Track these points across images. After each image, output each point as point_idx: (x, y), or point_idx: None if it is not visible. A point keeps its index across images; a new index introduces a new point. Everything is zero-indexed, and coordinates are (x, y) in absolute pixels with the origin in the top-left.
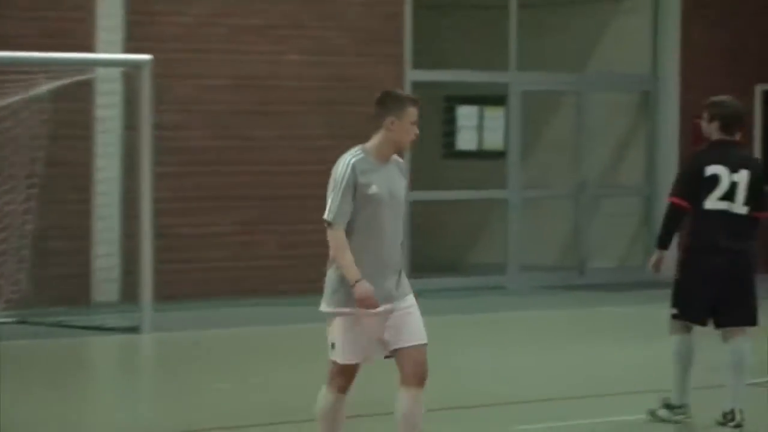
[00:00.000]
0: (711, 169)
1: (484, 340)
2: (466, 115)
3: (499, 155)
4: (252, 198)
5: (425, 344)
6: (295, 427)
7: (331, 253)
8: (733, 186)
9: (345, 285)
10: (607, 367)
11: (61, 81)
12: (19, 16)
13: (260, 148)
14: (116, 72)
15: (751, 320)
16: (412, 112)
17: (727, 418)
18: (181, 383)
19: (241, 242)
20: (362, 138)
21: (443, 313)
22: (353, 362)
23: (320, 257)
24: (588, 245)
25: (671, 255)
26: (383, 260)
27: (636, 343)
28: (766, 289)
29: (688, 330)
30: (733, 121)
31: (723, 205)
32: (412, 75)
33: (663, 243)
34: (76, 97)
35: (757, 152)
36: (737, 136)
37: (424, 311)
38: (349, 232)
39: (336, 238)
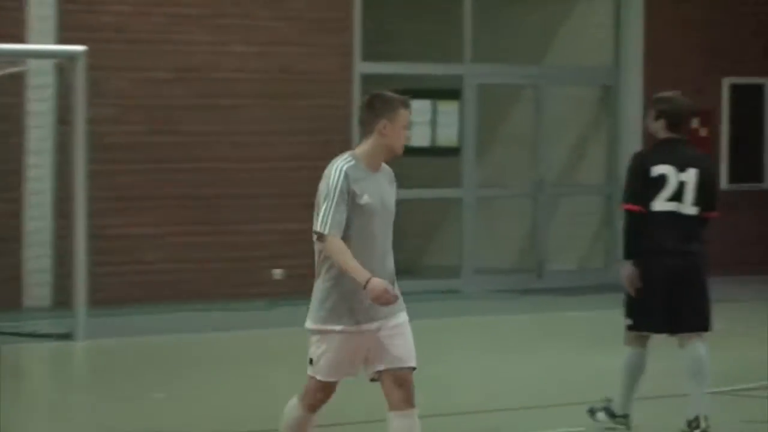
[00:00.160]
0: (657, 169)
1: (436, 346)
2: (418, 109)
3: (454, 152)
4: (193, 197)
5: (413, 368)
6: None
7: (318, 262)
8: (681, 186)
9: (333, 298)
10: (564, 376)
11: None
12: None
13: (201, 144)
14: (49, 64)
15: (704, 325)
16: (404, 115)
17: (692, 425)
18: (116, 393)
19: (182, 244)
20: (309, 133)
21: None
22: (333, 380)
23: (266, 259)
24: (546, 247)
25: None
26: (376, 271)
27: (595, 350)
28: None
29: (644, 342)
30: (680, 118)
31: (671, 206)
32: (362, 67)
33: (629, 254)
34: (7, 91)
35: (725, 148)
36: (685, 134)
37: None
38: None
39: (334, 246)
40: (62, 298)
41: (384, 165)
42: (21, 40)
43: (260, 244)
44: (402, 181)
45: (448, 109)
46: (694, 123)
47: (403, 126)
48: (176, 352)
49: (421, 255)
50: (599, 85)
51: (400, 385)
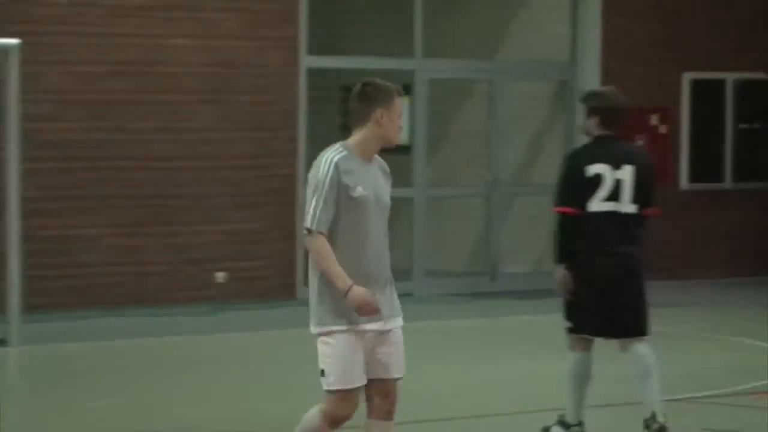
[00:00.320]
0: (592, 169)
1: None
2: None
3: (404, 150)
4: (133, 197)
5: (401, 378)
6: None
7: (312, 261)
8: (618, 184)
9: (328, 298)
10: (516, 382)
11: None
12: None
13: (141, 142)
14: None
15: (642, 330)
16: (399, 103)
17: (650, 423)
18: (51, 402)
19: (121, 246)
20: (254, 130)
21: None
22: (351, 386)
23: (210, 262)
24: (500, 248)
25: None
26: (371, 272)
27: (549, 356)
28: (690, 295)
29: (587, 346)
30: (614, 114)
31: (609, 206)
32: (308, 61)
33: (562, 257)
34: None
35: (685, 144)
36: (619, 130)
37: None
38: (330, 240)
39: (318, 246)
40: None
41: (377, 157)
42: None
43: (203, 246)
44: None
45: None
46: (654, 120)
47: (398, 115)
48: (115, 358)
49: None
50: (555, 80)
51: (384, 395)
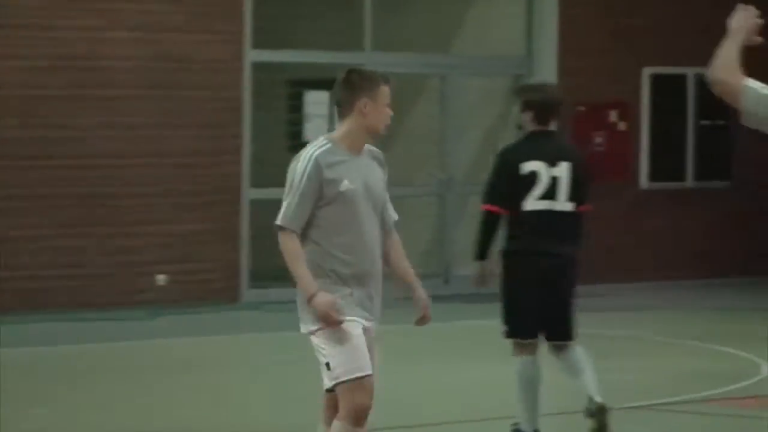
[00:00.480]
0: (528, 166)
1: None
2: (314, 101)
3: None
4: (70, 196)
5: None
6: None
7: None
8: (554, 182)
9: (324, 290)
10: (467, 390)
11: None
12: None
13: (80, 139)
14: None
15: (570, 335)
16: (385, 92)
17: (589, 409)
18: None
19: (58, 247)
20: (196, 127)
21: (287, 329)
22: (362, 374)
23: (151, 264)
24: (454, 250)
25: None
26: (364, 269)
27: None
28: (649, 298)
29: (531, 349)
30: (549, 109)
31: (544, 205)
32: (253, 55)
33: (481, 254)
34: None
35: (645, 141)
36: (552, 126)
37: (266, 326)
38: (322, 237)
39: (288, 244)
40: None
41: (370, 147)
42: None
43: (143, 248)
44: None
45: None
46: (612, 117)
47: (385, 104)
48: (52, 364)
49: None
50: (511, 75)
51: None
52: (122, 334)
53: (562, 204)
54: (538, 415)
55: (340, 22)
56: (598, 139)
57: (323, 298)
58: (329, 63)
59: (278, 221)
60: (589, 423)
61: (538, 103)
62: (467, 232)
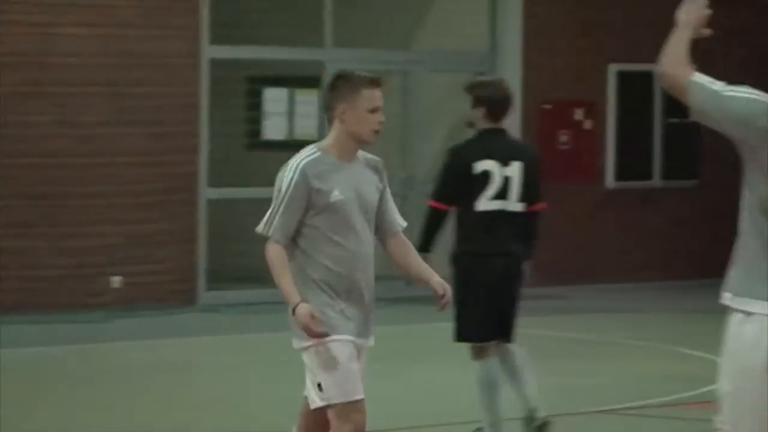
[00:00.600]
0: (481, 165)
1: (285, 361)
2: (274, 98)
3: None
4: (21, 196)
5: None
6: None
7: (273, 271)
8: (506, 181)
9: (318, 305)
10: (430, 393)
11: None
12: None
13: (30, 137)
14: None
15: (512, 336)
16: (368, 96)
17: (530, 419)
18: None
19: (8, 249)
20: (152, 125)
21: (245, 331)
22: (355, 398)
23: (106, 265)
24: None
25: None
26: (356, 281)
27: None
28: (617, 300)
29: (490, 352)
30: (501, 105)
31: (497, 205)
32: (211, 51)
33: (425, 247)
34: None
35: (612, 140)
36: (504, 123)
37: (223, 329)
38: (312, 248)
39: (272, 255)
40: None
41: (366, 154)
42: None
43: (97, 249)
44: (256, 177)
45: (307, 98)
46: (578, 115)
47: (369, 109)
48: (4, 367)
49: None
50: (474, 71)
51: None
52: (76, 337)
53: (514, 204)
54: (501, 418)
55: (300, 18)
56: (564, 138)
57: (303, 310)
58: (289, 59)
59: (258, 229)
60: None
61: (490, 99)
62: None
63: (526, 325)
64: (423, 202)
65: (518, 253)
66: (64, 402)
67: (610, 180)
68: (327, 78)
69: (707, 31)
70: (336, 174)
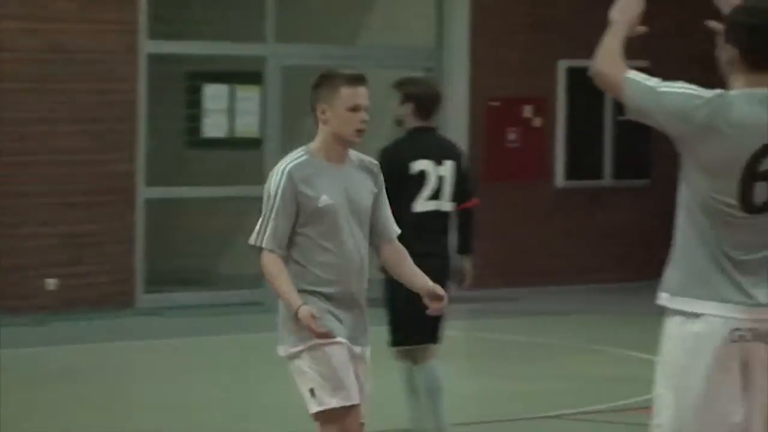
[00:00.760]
0: (417, 165)
1: (241, 366)
2: (214, 95)
3: (255, 144)
4: None
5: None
6: None
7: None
8: (440, 181)
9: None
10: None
11: None
12: None
13: None
14: None
15: (439, 339)
16: (348, 95)
17: None
18: None
19: None
20: (88, 121)
21: (184, 335)
22: (349, 402)
23: (40, 267)
24: None
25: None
26: (349, 288)
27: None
28: (567, 302)
29: (419, 355)
30: (431, 103)
31: (432, 205)
32: (149, 46)
33: None
34: None
35: (561, 138)
36: (434, 121)
37: (162, 332)
38: (303, 256)
39: (268, 264)
40: None
41: (360, 156)
42: None
43: (31, 250)
44: (195, 176)
45: (249, 95)
46: (527, 112)
47: (349, 108)
48: None
49: (218, 262)
50: (420, 67)
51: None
52: (9, 341)
53: (445, 204)
54: (426, 421)
55: (242, 12)
56: (512, 136)
57: (304, 311)
58: (229, 55)
59: (250, 241)
60: None
61: (419, 96)
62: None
63: (474, 328)
64: None
65: (448, 254)
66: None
67: (560, 179)
68: (268, 74)
69: (642, 29)
70: (324, 178)
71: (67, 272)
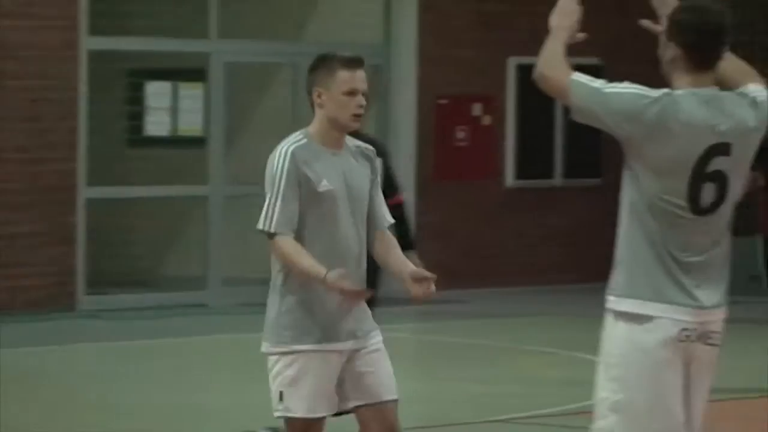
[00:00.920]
0: None
1: (185, 369)
2: (156, 93)
3: (198, 142)
4: None
5: (396, 401)
6: None
7: (273, 272)
8: None
9: (294, 313)
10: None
11: None
12: None
13: None
14: None
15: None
16: (344, 78)
17: None
18: None
19: None
20: (26, 119)
21: (125, 337)
22: (317, 415)
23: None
24: None
25: None
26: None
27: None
28: (512, 304)
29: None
30: None
31: None
32: (89, 43)
33: None
34: None
35: (511, 137)
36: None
37: (103, 335)
38: (298, 242)
39: (284, 246)
40: None
41: (357, 142)
42: None
43: None
44: (137, 176)
45: (192, 92)
46: (476, 110)
47: (345, 92)
48: None
49: (161, 263)
50: (367, 64)
51: (382, 422)
52: None
53: None
54: None
55: (184, 8)
56: (461, 134)
57: (333, 276)
58: (172, 51)
59: (259, 226)
60: None
61: None
62: None
63: (422, 331)
64: None
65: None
66: None
67: (509, 178)
68: (212, 71)
69: (582, 35)
70: (323, 162)
71: (5, 273)
